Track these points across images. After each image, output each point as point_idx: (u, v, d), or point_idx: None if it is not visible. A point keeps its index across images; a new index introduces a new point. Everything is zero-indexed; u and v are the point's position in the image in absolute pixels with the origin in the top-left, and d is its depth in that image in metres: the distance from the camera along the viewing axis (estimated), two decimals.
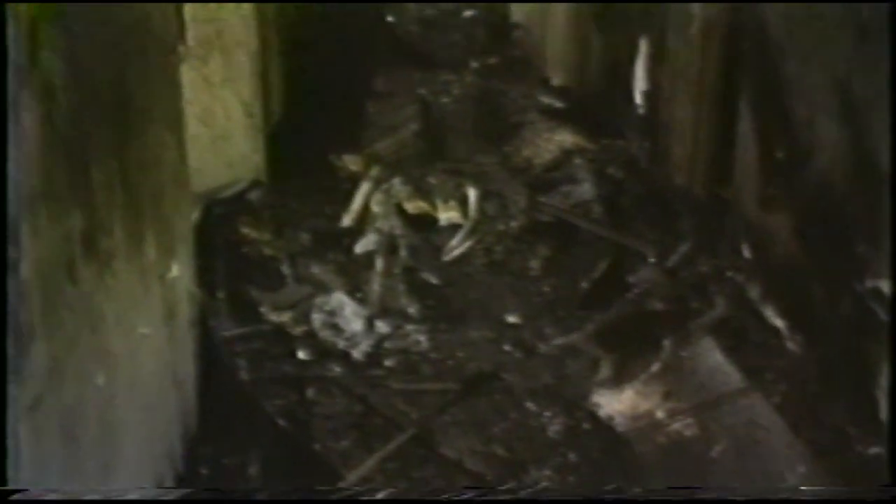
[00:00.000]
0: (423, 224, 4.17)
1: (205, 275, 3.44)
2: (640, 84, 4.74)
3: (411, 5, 6.48)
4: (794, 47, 3.41)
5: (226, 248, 3.88)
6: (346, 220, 4.16)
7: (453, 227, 4.16)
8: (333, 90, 4.99)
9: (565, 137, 4.66)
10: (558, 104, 5.15)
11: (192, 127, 3.71)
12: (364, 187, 4.32)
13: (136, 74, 2.49)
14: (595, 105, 5.06)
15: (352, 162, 4.57)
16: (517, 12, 6.19)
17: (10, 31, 1.78)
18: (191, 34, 3.99)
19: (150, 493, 2.51)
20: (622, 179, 4.41)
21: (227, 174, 4.26)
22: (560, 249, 3.99)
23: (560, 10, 5.58)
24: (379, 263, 3.87)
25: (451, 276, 3.90)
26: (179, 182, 2.90)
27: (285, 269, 3.83)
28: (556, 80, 5.57)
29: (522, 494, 2.97)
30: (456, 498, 3.00)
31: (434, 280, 3.86)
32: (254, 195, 4.18)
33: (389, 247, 3.98)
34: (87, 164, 2.15)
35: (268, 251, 3.93)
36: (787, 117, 3.43)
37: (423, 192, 4.28)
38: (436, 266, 3.94)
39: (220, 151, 4.25)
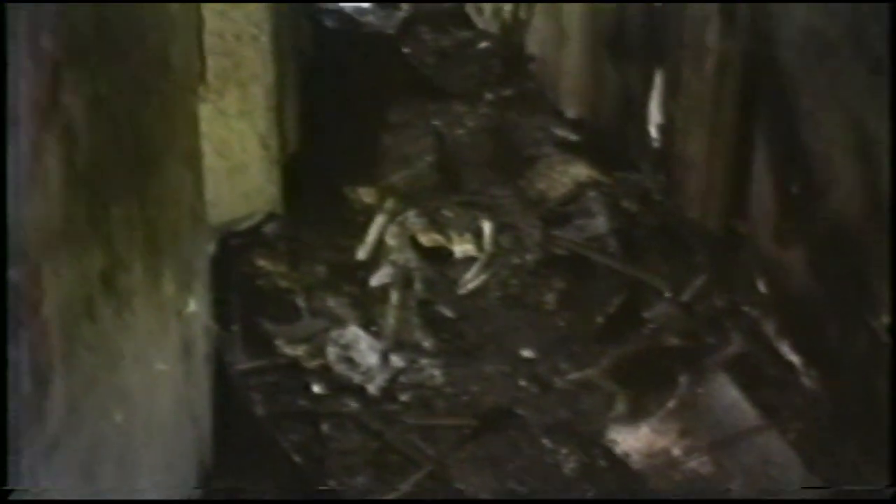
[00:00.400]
0: (438, 257, 4.17)
1: (220, 308, 3.44)
2: (654, 117, 4.75)
3: (427, 36, 6.53)
4: (808, 83, 3.42)
5: (241, 280, 3.88)
6: (361, 253, 4.16)
7: (468, 260, 4.16)
8: (349, 122, 5.01)
9: (580, 170, 4.66)
10: (573, 137, 5.16)
11: (208, 159, 3.70)
12: (379, 220, 4.33)
13: (155, 111, 2.51)
14: (609, 138, 5.07)
15: (366, 194, 4.59)
16: (532, 44, 6.22)
17: (34, 74, 1.80)
18: (207, 67, 4.01)
19: (151, 495, 2.50)
20: (637, 213, 4.41)
21: (243, 206, 4.28)
22: (575, 283, 3.98)
23: (575, 43, 5.60)
24: (394, 296, 3.87)
25: (466, 310, 3.89)
26: (197, 218, 2.92)
27: (300, 301, 3.83)
28: (571, 113, 5.58)
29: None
30: (456, 499, 3.00)
31: (449, 313, 3.86)
32: (269, 227, 4.19)
33: (404, 280, 3.97)
34: (106, 202, 2.16)
35: (283, 284, 3.93)
36: (803, 152, 3.44)
37: (437, 224, 4.28)
38: (451, 299, 3.93)
39: (236, 183, 4.26)
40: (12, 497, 1.67)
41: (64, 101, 1.92)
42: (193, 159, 2.90)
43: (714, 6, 4.09)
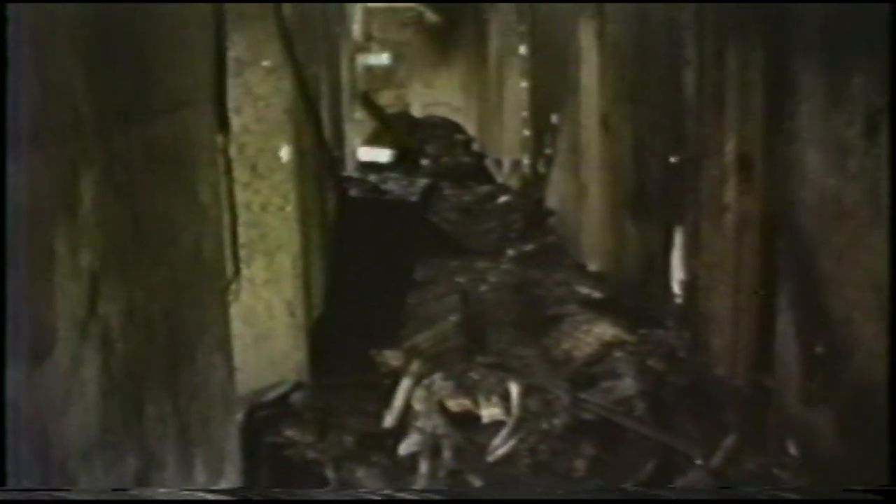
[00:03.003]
0: (466, 422, 4.15)
1: (248, 481, 3.42)
2: (676, 273, 4.78)
3: (448, 192, 6.64)
4: (828, 245, 3.45)
5: (269, 451, 3.86)
6: (389, 420, 4.14)
7: (496, 424, 4.13)
8: (373, 283, 5.06)
9: (604, 329, 4.67)
10: (596, 294, 5.18)
11: (235, 327, 3.75)
12: (405, 383, 4.32)
13: (188, 307, 2.55)
14: (632, 294, 5.09)
15: (392, 357, 4.60)
16: (552, 198, 6.32)
17: (73, 290, 1.84)
18: (240, 262, 4.09)
19: (147, 494, 2.44)
20: (663, 371, 4.39)
21: (270, 373, 4.30)
22: (605, 449, 3.93)
23: (595, 198, 5.68)
24: (423, 466, 3.83)
25: (495, 479, 3.84)
26: (227, 401, 2.93)
27: (329, 473, 3.80)
28: (593, 266, 5.62)
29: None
30: (460, 498, 2.90)
31: (478, 483, 3.81)
32: (296, 397, 4.19)
33: (433, 448, 3.94)
34: (141, 403, 2.19)
35: (311, 454, 3.90)
36: (825, 313, 3.44)
37: (464, 388, 4.27)
38: (480, 468, 3.89)
39: (263, 350, 4.29)
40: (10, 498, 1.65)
41: (101, 311, 1.96)
42: (224, 344, 2.93)
43: (732, 164, 4.16)
